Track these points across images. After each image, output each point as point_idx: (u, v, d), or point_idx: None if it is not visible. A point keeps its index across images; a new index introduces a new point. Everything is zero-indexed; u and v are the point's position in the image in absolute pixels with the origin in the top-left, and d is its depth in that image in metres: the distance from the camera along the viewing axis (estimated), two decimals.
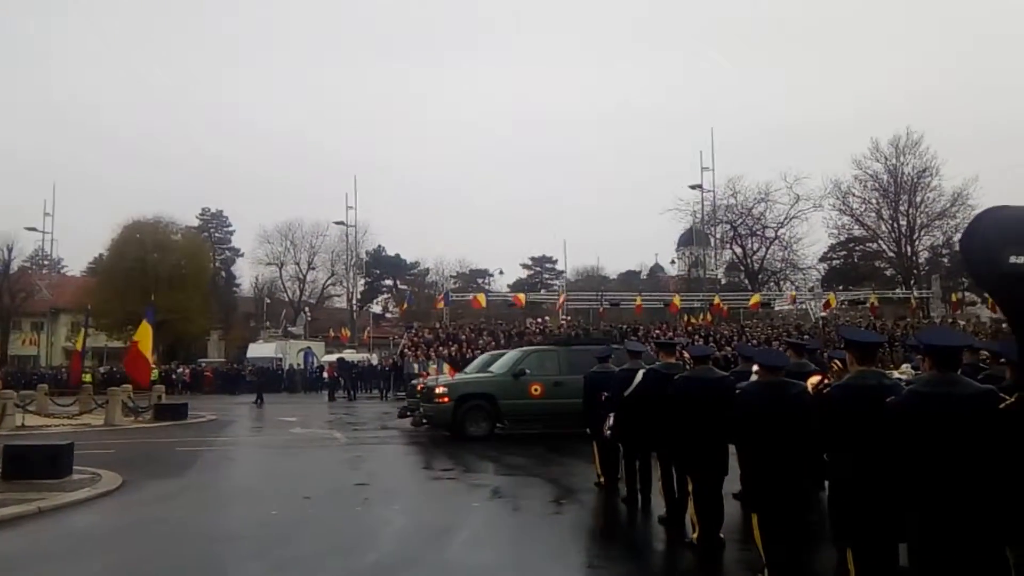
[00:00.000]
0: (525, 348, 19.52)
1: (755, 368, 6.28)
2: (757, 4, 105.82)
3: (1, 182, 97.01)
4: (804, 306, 45.24)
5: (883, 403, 4.26)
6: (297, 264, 70.50)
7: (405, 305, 46.82)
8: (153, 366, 28.51)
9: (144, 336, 24.08)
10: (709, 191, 53.55)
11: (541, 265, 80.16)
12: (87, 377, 31.05)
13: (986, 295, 41.94)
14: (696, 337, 32.71)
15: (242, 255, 74.14)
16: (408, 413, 19.01)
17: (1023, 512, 3.97)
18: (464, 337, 35.36)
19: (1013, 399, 3.88)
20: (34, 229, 59.07)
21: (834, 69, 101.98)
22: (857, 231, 58.64)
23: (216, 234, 73.32)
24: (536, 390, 16.36)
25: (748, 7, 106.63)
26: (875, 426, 4.32)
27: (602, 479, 10.19)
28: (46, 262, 66.83)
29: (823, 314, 41.30)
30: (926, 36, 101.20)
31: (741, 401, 5.90)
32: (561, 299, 42.60)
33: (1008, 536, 4.11)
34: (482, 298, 42.11)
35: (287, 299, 70.13)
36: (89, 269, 64.59)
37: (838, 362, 7.14)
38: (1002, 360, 5.17)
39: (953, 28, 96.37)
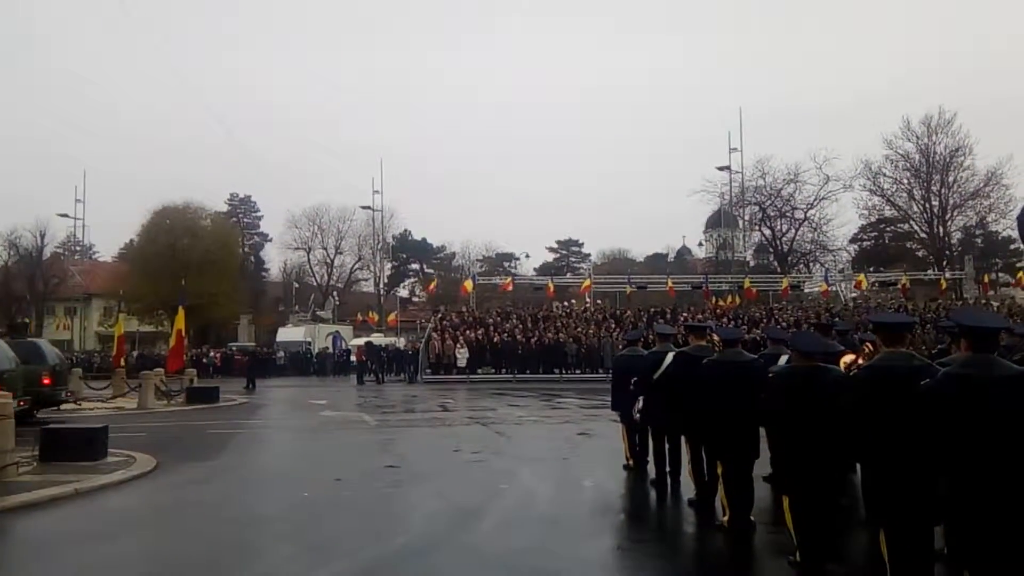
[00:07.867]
0: None
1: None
2: None
3: (33, 169, 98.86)
4: (835, 288, 44.69)
5: (911, 384, 4.21)
6: (325, 249, 70.89)
7: (434, 284, 46.83)
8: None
9: (180, 322, 24.78)
10: (737, 172, 53.14)
11: (567, 248, 79.82)
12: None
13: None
14: (725, 320, 32.51)
15: (270, 240, 74.96)
16: None
17: None
18: (491, 321, 35.48)
19: None
20: (66, 215, 60.37)
21: (865, 47, 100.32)
22: (888, 212, 57.80)
23: (244, 219, 73.98)
24: None
25: None
26: (904, 407, 4.27)
27: (631, 462, 10.19)
28: (78, 248, 68.11)
29: (853, 294, 40.81)
30: (963, 13, 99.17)
31: (774, 385, 5.84)
32: (587, 284, 42.54)
33: None
34: (510, 283, 42.33)
35: (315, 283, 70.61)
36: (120, 255, 65.37)
37: (870, 344, 7.06)
38: None
39: (996, 5, 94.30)
